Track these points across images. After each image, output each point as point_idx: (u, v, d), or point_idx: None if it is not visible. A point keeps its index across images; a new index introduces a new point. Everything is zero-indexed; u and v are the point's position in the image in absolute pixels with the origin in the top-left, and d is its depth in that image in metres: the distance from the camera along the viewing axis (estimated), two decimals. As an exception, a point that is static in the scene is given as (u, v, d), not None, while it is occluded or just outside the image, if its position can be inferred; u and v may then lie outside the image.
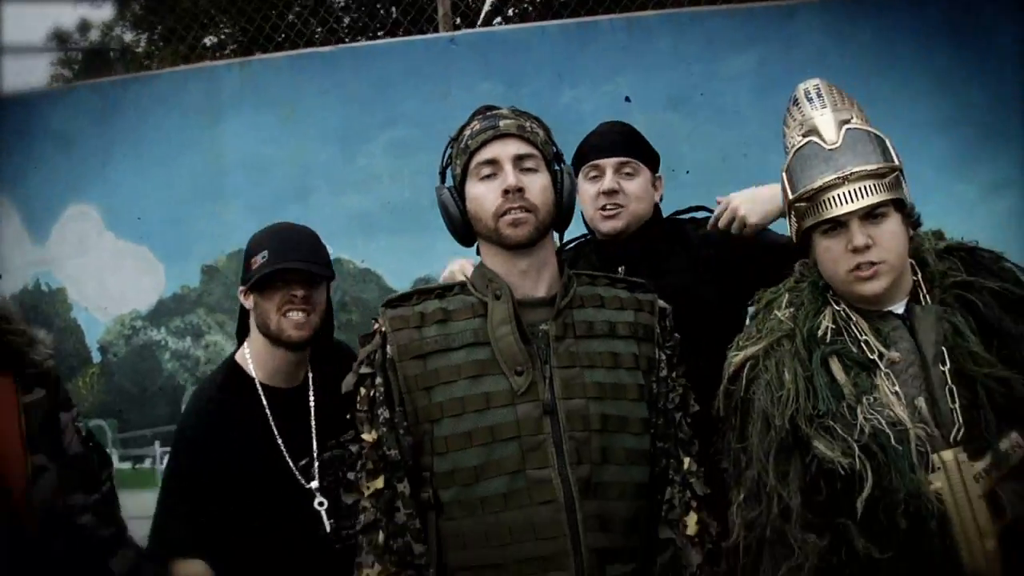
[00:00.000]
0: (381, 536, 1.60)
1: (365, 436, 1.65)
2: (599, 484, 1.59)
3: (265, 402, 2.09)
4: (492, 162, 1.66)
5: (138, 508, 4.61)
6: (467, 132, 1.70)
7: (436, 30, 4.44)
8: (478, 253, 1.78)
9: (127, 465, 4.50)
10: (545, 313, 1.66)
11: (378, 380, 1.66)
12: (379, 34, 5.32)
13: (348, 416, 1.72)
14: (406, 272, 4.21)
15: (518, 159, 1.65)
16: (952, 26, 4.16)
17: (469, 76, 4.23)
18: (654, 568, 1.65)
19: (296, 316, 2.05)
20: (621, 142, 2.34)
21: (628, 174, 2.28)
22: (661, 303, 1.77)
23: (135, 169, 4.55)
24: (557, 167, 1.72)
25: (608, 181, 2.25)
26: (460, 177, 1.71)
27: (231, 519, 2.03)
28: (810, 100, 1.94)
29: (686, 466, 1.69)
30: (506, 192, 1.62)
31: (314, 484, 2.06)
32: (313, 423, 2.11)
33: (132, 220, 4.52)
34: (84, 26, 8.40)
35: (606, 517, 1.58)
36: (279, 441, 2.08)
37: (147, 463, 4.54)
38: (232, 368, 2.16)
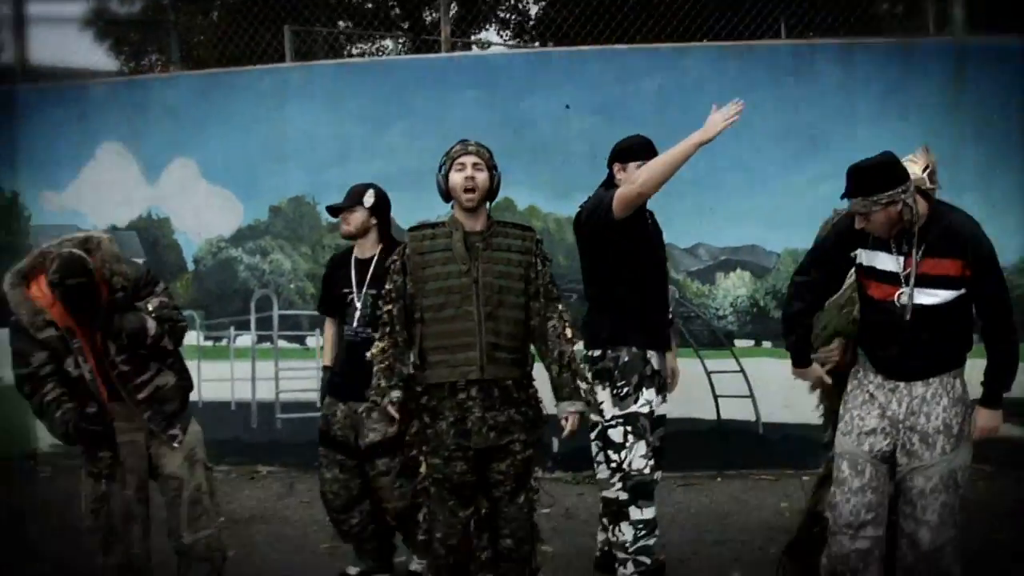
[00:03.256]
0: (390, 332, 3.25)
1: (388, 286, 3.29)
2: (495, 316, 3.19)
3: (352, 261, 3.90)
4: (462, 164, 3.26)
5: (216, 373, 6.14)
6: (453, 149, 3.30)
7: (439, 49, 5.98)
8: (452, 208, 3.32)
9: (210, 343, 5.99)
10: (479, 238, 3.26)
11: (397, 265, 3.27)
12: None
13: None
14: (411, 216, 5.23)
15: (474, 164, 3.25)
16: (794, 66, 5.58)
17: (462, 85, 5.67)
18: (523, 358, 3.29)
19: (342, 225, 3.89)
20: None
21: None
22: (537, 236, 3.38)
23: (223, 135, 5.88)
24: (494, 171, 3.30)
25: None
26: (447, 170, 3.29)
27: (337, 304, 3.93)
28: None
29: (559, 308, 3.33)
30: (466, 178, 3.23)
31: (359, 300, 3.83)
32: (370, 272, 3.84)
33: (220, 171, 5.91)
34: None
35: (496, 329, 3.12)
36: (352, 274, 3.87)
37: (224, 342, 5.98)
38: (349, 248, 3.99)
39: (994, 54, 5.58)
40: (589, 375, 3.63)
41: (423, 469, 3.30)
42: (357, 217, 3.86)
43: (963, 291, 2.94)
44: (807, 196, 5.44)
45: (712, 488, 5.39)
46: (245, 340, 6.01)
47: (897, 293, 2.94)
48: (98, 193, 6.05)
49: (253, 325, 5.95)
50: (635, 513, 3.69)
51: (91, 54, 8.60)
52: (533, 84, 5.66)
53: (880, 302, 3.00)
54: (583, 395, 3.32)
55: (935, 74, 5.56)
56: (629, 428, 3.66)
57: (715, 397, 5.65)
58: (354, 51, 8.37)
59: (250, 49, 6.58)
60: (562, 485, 5.43)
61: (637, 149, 3.80)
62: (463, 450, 3.19)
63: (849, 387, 3.19)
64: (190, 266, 6.08)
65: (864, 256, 3.04)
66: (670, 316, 3.97)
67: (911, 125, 5.45)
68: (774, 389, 5.56)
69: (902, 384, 3.01)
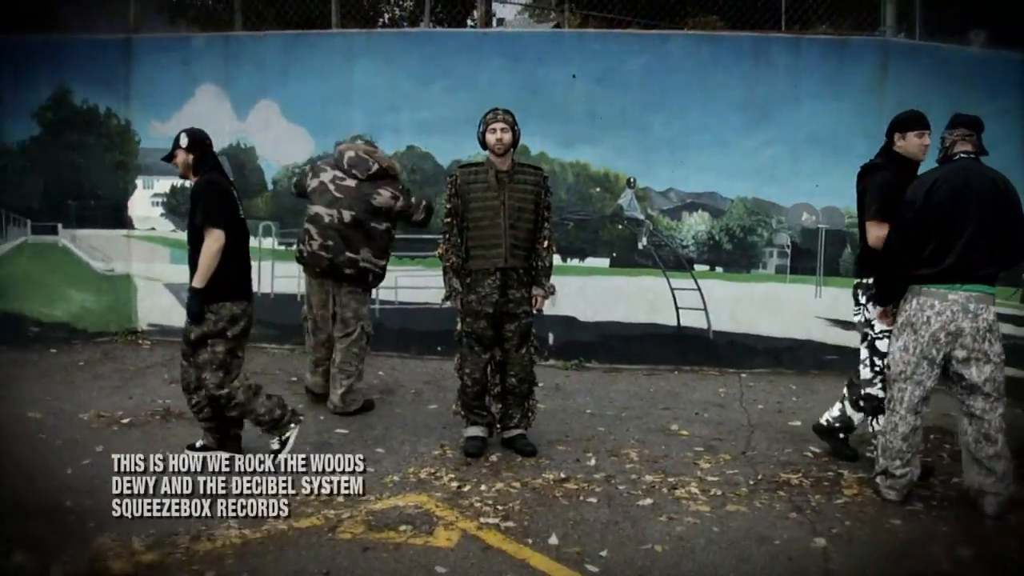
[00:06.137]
0: (449, 235, 4.62)
1: (448, 205, 4.65)
2: (515, 226, 4.58)
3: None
4: (494, 128, 4.57)
5: (286, 271, 7.30)
6: (487, 116, 4.61)
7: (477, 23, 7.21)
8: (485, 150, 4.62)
9: (282, 248, 7.18)
10: (506, 175, 4.60)
11: (452, 191, 4.63)
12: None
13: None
14: (447, 154, 6.82)
15: (502, 128, 4.56)
16: (752, 53, 6.71)
17: (490, 54, 6.86)
18: (531, 256, 4.68)
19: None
20: None
21: None
22: (544, 174, 4.76)
23: (302, 81, 7.00)
24: (516, 128, 4.59)
25: (928, 139, 4.24)
26: (483, 130, 4.60)
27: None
28: None
29: (547, 226, 4.71)
30: (496, 140, 4.55)
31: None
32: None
33: (297, 112, 7.04)
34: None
35: (515, 235, 4.57)
36: None
37: (293, 247, 6.92)
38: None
39: (913, 51, 6.73)
40: (863, 298, 4.39)
41: (458, 327, 4.74)
42: (179, 160, 4.25)
43: None
44: (756, 156, 6.81)
45: (670, 378, 6.80)
46: (311, 247, 7.22)
47: None
48: (196, 124, 6.78)
49: (318, 235, 7.18)
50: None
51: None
52: (547, 56, 6.83)
53: None
54: (546, 286, 4.71)
55: (865, 64, 6.67)
56: None
57: (677, 309, 7.06)
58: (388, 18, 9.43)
59: (300, 14, 7.53)
60: (555, 370, 6.88)
61: (916, 120, 4.27)
62: (487, 313, 4.62)
63: None
64: (269, 186, 7.26)
65: None
66: None
67: (844, 104, 6.64)
68: (723, 304, 7.00)
69: None
